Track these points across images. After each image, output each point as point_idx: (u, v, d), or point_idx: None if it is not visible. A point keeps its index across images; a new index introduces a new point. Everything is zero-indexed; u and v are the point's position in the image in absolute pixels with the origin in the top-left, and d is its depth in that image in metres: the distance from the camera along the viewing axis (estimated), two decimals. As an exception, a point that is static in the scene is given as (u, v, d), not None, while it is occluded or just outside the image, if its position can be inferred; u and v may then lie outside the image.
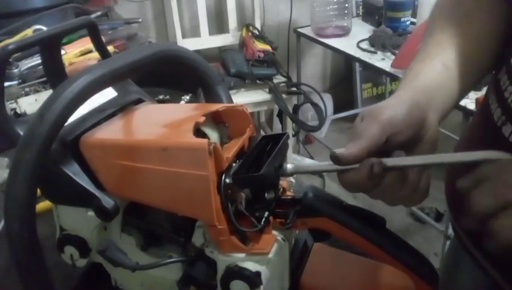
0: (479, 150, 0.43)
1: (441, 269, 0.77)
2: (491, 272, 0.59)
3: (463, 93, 0.57)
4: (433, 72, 0.53)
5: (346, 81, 2.95)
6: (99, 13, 1.42)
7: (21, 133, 0.51)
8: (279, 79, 2.05)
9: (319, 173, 0.57)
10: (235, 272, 0.47)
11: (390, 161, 0.44)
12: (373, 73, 2.80)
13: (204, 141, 0.44)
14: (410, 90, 0.50)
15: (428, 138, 0.46)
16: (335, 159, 0.44)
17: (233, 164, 0.49)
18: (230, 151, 0.50)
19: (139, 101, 0.60)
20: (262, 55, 2.01)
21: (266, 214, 0.48)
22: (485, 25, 0.57)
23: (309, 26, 2.24)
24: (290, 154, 2.32)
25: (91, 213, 0.50)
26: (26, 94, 0.99)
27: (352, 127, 0.47)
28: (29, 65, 1.09)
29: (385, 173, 0.44)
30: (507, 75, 0.54)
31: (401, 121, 0.45)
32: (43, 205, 0.64)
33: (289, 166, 0.49)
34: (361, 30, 2.15)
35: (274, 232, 0.49)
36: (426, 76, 0.52)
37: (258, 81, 2.03)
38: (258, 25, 2.30)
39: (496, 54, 0.58)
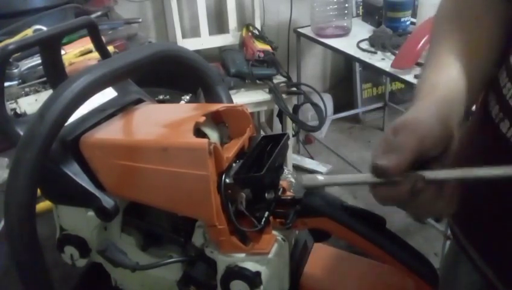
0: (478, 157, 0.43)
1: (440, 270, 0.77)
2: (487, 274, 0.60)
3: (474, 102, 0.57)
4: (451, 83, 0.52)
5: (346, 81, 2.95)
6: (99, 13, 1.42)
7: (21, 133, 0.51)
8: (279, 79, 2.05)
9: (352, 185, 0.55)
10: (235, 272, 0.47)
11: (430, 174, 0.43)
12: (373, 73, 2.80)
13: (205, 141, 0.44)
14: (434, 102, 0.49)
15: (453, 150, 0.46)
16: (379, 171, 0.43)
17: (234, 164, 0.49)
18: (230, 151, 0.50)
19: (139, 101, 0.60)
20: (262, 55, 2.01)
21: (266, 214, 0.48)
22: (494, 29, 0.57)
23: (309, 26, 2.24)
24: (290, 154, 2.32)
25: (91, 213, 0.50)
26: (26, 94, 0.99)
27: (384, 139, 0.46)
28: (29, 65, 1.09)
29: (425, 185, 0.43)
30: (506, 72, 0.55)
31: (437, 137, 0.45)
32: (43, 205, 0.64)
33: (320, 178, 0.47)
34: (361, 30, 2.14)
35: (274, 232, 0.49)
36: (445, 87, 0.52)
37: (258, 81, 2.03)
38: (258, 25, 2.30)
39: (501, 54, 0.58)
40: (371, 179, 0.44)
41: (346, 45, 2.03)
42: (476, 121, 0.66)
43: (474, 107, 0.63)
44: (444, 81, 0.52)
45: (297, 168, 2.52)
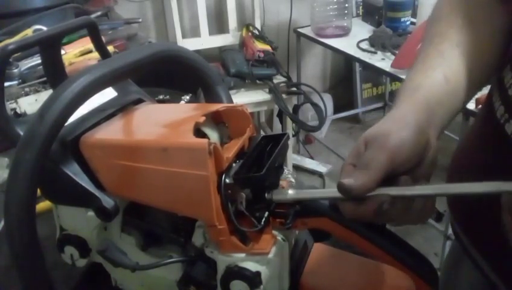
0: (482, 158, 0.43)
1: (441, 270, 0.77)
2: (489, 274, 0.60)
3: (464, 104, 0.55)
4: (435, 86, 0.51)
5: (346, 81, 2.95)
6: (99, 13, 1.42)
7: (21, 133, 0.51)
8: (279, 79, 2.05)
9: (321, 199, 0.55)
10: (235, 272, 0.47)
11: (396, 190, 0.42)
12: (373, 73, 2.80)
13: (205, 141, 0.44)
14: (412, 107, 0.48)
15: (429, 158, 0.45)
16: (344, 190, 0.42)
17: (234, 164, 0.49)
18: (230, 151, 0.50)
19: (139, 101, 0.60)
20: (262, 55, 2.01)
21: (266, 214, 0.48)
22: (487, 29, 0.56)
23: (309, 26, 2.24)
24: (290, 154, 2.32)
25: (91, 213, 0.50)
26: (26, 94, 0.99)
27: (355, 150, 0.45)
28: (29, 65, 1.09)
29: (392, 204, 0.42)
30: (511, 74, 0.54)
31: (409, 150, 0.43)
32: (43, 205, 0.64)
33: (290, 192, 0.48)
34: (361, 30, 2.15)
35: (274, 232, 0.49)
36: (427, 90, 0.50)
37: (258, 81, 2.03)
38: (258, 25, 2.30)
39: (500, 54, 0.57)
40: (336, 195, 0.44)
41: (346, 45, 2.03)
42: (480, 122, 0.65)
43: (474, 108, 0.63)
44: (428, 84, 0.51)
45: (297, 168, 2.52)
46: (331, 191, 0.45)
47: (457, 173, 0.65)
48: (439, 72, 0.52)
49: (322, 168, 2.53)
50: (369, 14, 2.25)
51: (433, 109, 0.48)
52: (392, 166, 0.42)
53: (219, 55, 2.25)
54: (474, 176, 0.41)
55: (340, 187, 0.43)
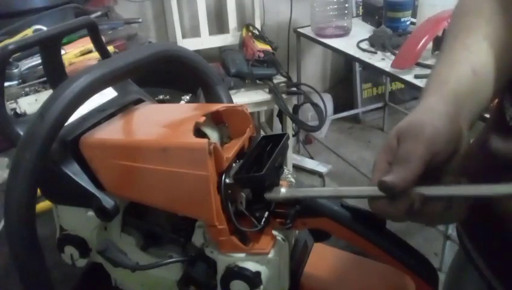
0: (491, 161, 0.41)
1: (446, 277, 0.76)
2: (494, 283, 0.59)
3: (493, 98, 0.53)
4: (462, 78, 0.49)
5: (346, 81, 2.95)
6: (99, 13, 1.42)
7: (21, 133, 0.51)
8: (279, 79, 2.05)
9: (316, 198, 0.54)
10: (235, 272, 0.47)
11: (431, 190, 0.40)
12: (373, 73, 2.80)
13: (205, 141, 0.44)
14: (441, 99, 0.46)
15: (463, 148, 0.43)
16: (387, 188, 0.40)
17: (234, 164, 0.49)
18: (230, 151, 0.50)
19: (139, 101, 0.60)
20: (262, 55, 2.01)
21: (266, 214, 0.48)
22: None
23: (309, 26, 2.24)
24: (290, 154, 2.32)
25: (91, 213, 0.50)
26: (26, 94, 0.99)
27: (387, 147, 0.43)
28: (29, 65, 1.09)
29: (425, 203, 0.40)
30: None
31: (445, 139, 0.41)
32: (43, 205, 0.64)
33: (282, 190, 0.47)
34: (361, 30, 2.14)
35: (274, 232, 0.49)
36: (455, 82, 0.48)
37: (258, 81, 2.03)
38: (258, 25, 2.30)
39: None
40: (332, 193, 0.43)
41: (346, 45, 2.03)
42: (490, 122, 0.65)
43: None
44: (455, 76, 0.49)
45: (297, 168, 2.52)
46: (327, 189, 0.45)
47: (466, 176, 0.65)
48: (467, 65, 0.50)
49: (322, 168, 2.54)
50: (369, 14, 2.25)
51: (462, 101, 0.46)
52: (430, 157, 0.40)
53: (219, 55, 2.25)
54: (484, 179, 0.40)
55: (382, 185, 0.40)
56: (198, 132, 0.49)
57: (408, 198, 0.40)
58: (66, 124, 0.45)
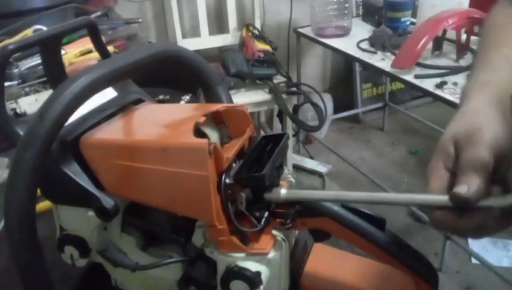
0: None
1: None
2: None
3: None
4: (504, 83, 0.47)
5: (346, 81, 2.95)
6: (99, 13, 1.42)
7: (21, 133, 0.51)
8: (279, 79, 2.05)
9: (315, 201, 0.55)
10: (235, 272, 0.47)
11: (499, 202, 0.37)
12: (373, 73, 2.80)
13: (205, 141, 0.44)
14: (487, 99, 0.44)
15: None
16: (464, 202, 0.37)
17: (234, 164, 0.49)
18: (230, 151, 0.50)
19: (139, 101, 0.60)
20: (262, 55, 2.01)
21: (266, 214, 0.48)
22: None
23: (309, 26, 2.24)
24: (290, 154, 2.32)
25: (91, 213, 0.50)
26: (26, 94, 0.99)
27: (444, 155, 0.41)
28: (29, 65, 1.09)
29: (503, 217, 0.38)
30: None
31: (505, 140, 0.39)
32: (43, 205, 0.64)
33: (282, 191, 0.47)
34: (361, 30, 2.14)
35: (274, 232, 0.49)
36: (497, 86, 0.46)
37: (258, 81, 2.03)
38: (258, 25, 2.30)
39: None
40: (330, 196, 0.43)
41: (346, 45, 2.03)
42: None
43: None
44: (496, 80, 0.47)
45: (297, 168, 2.52)
46: (331, 193, 0.44)
47: None
48: (505, 71, 0.48)
49: (322, 168, 2.54)
50: (369, 14, 2.25)
51: (506, 104, 0.44)
52: (494, 161, 0.38)
53: (219, 55, 2.25)
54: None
55: (456, 198, 0.37)
56: (198, 132, 0.49)
57: (481, 211, 0.37)
58: (66, 124, 0.45)
